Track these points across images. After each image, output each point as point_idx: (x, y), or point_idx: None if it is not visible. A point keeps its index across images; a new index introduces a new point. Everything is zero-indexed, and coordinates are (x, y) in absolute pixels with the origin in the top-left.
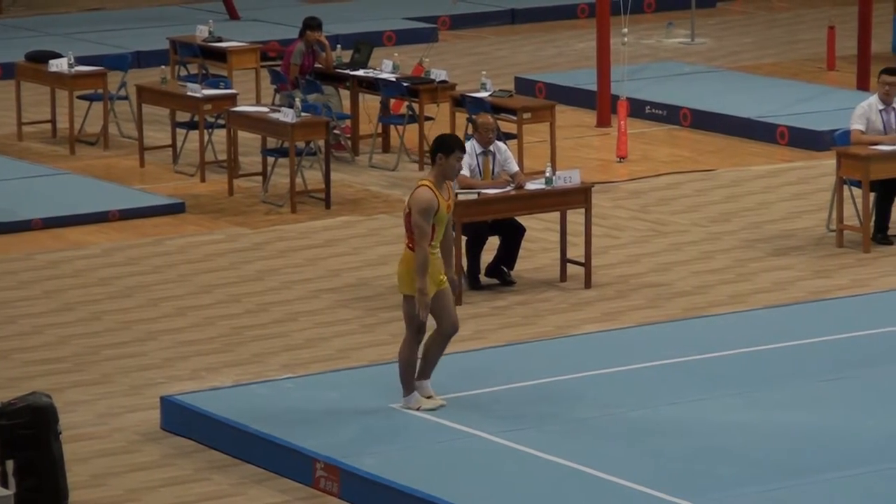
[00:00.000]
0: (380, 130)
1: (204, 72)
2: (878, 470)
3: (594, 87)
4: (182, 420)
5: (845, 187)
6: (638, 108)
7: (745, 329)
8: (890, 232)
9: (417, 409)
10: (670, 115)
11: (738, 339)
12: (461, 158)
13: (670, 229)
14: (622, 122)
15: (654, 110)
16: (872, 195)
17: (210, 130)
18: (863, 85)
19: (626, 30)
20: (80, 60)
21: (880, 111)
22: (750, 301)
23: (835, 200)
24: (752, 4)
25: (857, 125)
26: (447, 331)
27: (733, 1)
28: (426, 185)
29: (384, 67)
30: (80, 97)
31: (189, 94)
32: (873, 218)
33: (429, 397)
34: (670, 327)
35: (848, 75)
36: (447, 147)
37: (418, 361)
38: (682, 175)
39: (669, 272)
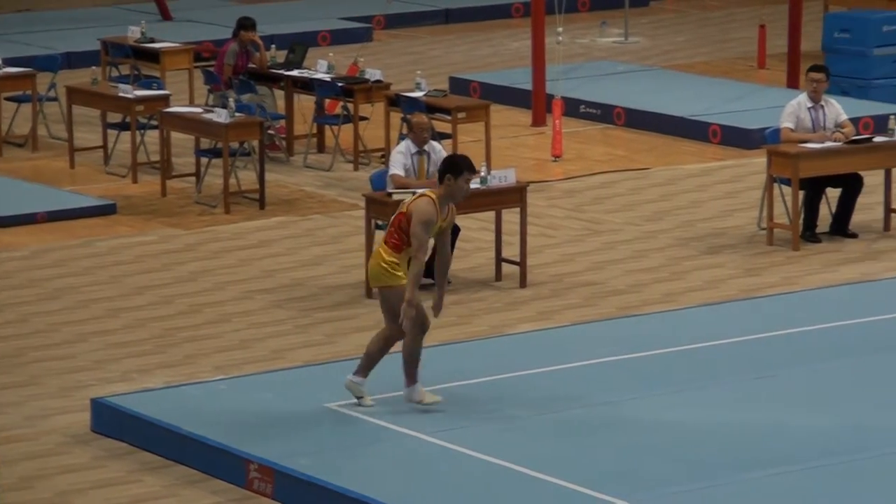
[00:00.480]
0: (314, 130)
1: (136, 73)
2: (807, 468)
3: (529, 87)
4: (113, 422)
5: (776, 185)
6: (572, 108)
7: (677, 327)
8: (819, 230)
9: (419, 402)
10: (604, 114)
11: (670, 337)
12: (470, 180)
13: (605, 228)
14: (557, 122)
15: (588, 109)
16: (802, 193)
17: (142, 131)
18: (793, 83)
19: (560, 29)
20: (9, 62)
21: (809, 109)
22: (682, 299)
23: (765, 199)
24: (685, 3)
25: (787, 123)
26: (395, 335)
27: (665, 0)
28: (430, 198)
29: (319, 67)
30: (7, 99)
31: (121, 94)
32: (802, 216)
33: (360, 397)
34: (605, 326)
35: (778, 73)
36: (457, 169)
37: (420, 352)
38: (617, 174)
39: (604, 271)
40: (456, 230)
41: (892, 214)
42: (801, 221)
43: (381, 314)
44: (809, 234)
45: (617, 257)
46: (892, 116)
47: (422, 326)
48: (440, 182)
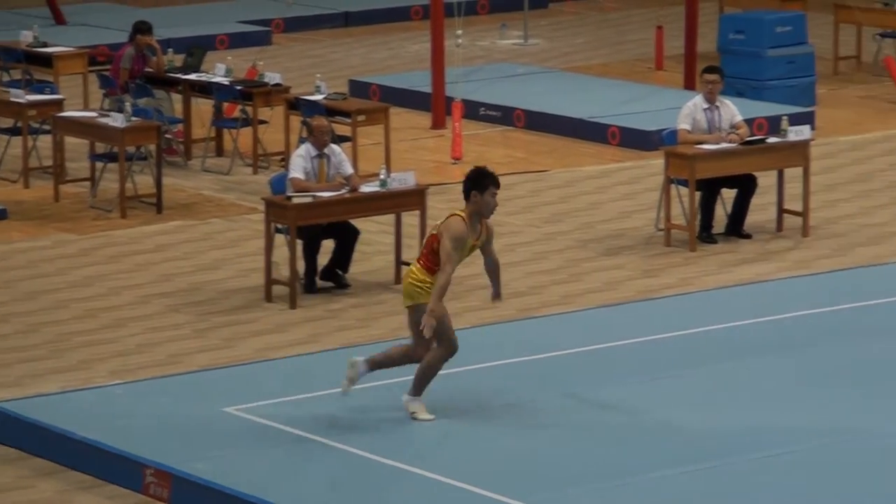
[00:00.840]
0: (213, 134)
1: (28, 77)
2: (704, 468)
3: (429, 89)
4: (5, 428)
5: (673, 187)
6: (472, 110)
7: (576, 329)
8: (714, 230)
9: (412, 414)
10: (504, 116)
11: (569, 339)
12: (496, 193)
13: (505, 230)
14: (457, 124)
15: (488, 112)
16: (698, 194)
17: (35, 136)
18: (690, 84)
19: (459, 32)
20: None
21: (705, 110)
22: (581, 301)
23: (662, 200)
24: (583, 5)
25: (684, 125)
26: (418, 354)
27: (565, 1)
28: (460, 217)
29: (217, 71)
30: None
31: (12, 99)
32: (699, 217)
33: (414, 412)
34: (504, 328)
35: (676, 75)
36: (481, 184)
37: (438, 372)
38: (517, 176)
39: (503, 273)
40: (355, 233)
41: (785, 215)
42: (697, 222)
43: (409, 330)
44: (706, 234)
45: (516, 259)
46: (785, 117)
47: (452, 348)
48: (466, 200)
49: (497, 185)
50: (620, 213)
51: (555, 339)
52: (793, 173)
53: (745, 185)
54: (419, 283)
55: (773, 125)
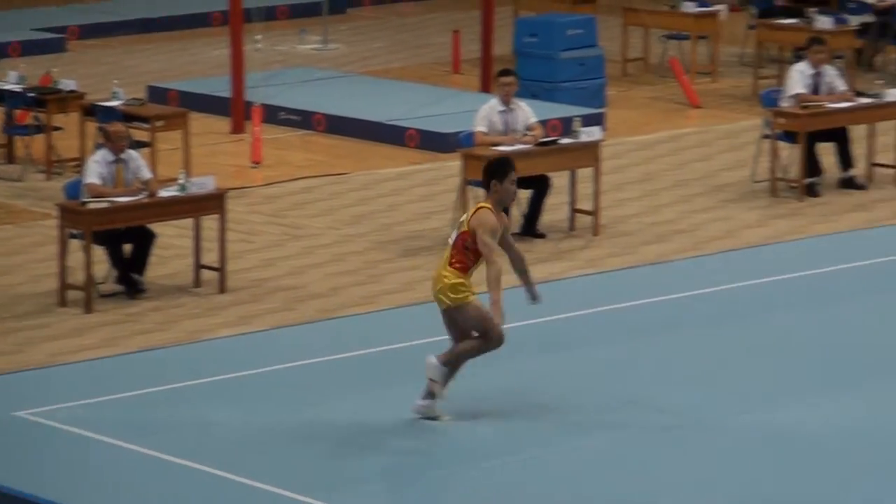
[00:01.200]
0: (4, 141)
1: None
2: (485, 466)
3: (228, 94)
4: None
5: (470, 188)
6: (272, 114)
7: (374, 329)
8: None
9: (430, 381)
10: (304, 120)
11: (367, 339)
12: (514, 179)
13: (304, 233)
14: (256, 129)
15: (288, 116)
16: None
17: None
18: (486, 87)
19: (258, 37)
20: None
21: (501, 112)
22: (381, 301)
23: (459, 201)
24: (382, 10)
25: (480, 127)
26: (494, 344)
27: (363, 7)
28: (487, 208)
29: (9, 78)
30: None
31: None
32: None
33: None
34: (304, 329)
35: (472, 78)
36: (501, 172)
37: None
38: (317, 179)
39: (304, 275)
40: (151, 236)
41: (577, 214)
42: None
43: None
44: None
45: (317, 261)
46: (577, 119)
47: (499, 342)
48: (487, 190)
49: (514, 169)
50: (418, 215)
51: (353, 340)
52: (584, 173)
53: (540, 186)
54: (451, 286)
55: (567, 126)
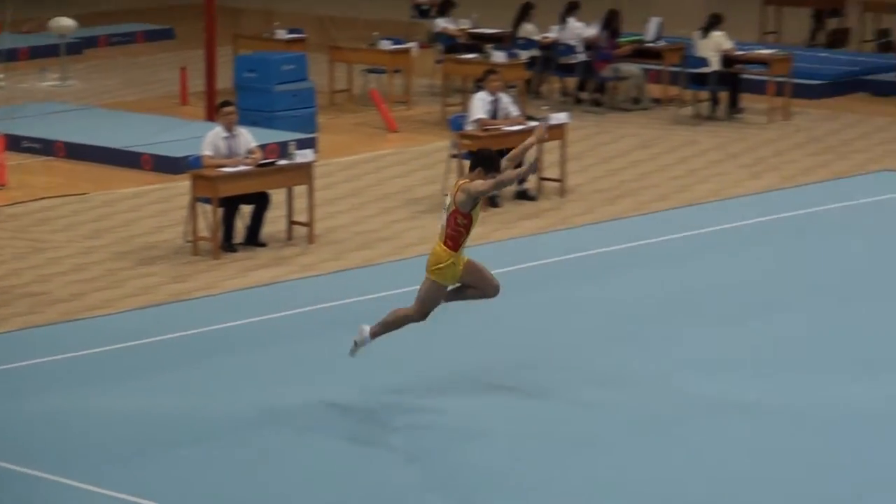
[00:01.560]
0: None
1: None
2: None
3: None
4: None
5: (199, 204)
6: (15, 143)
7: (116, 329)
8: (235, 241)
9: (355, 342)
10: (46, 147)
11: (110, 337)
12: (494, 177)
13: (49, 246)
14: (0, 155)
15: (30, 144)
16: (220, 210)
17: None
18: (211, 116)
19: (1, 75)
20: None
21: (224, 138)
22: (121, 304)
23: (190, 216)
24: (115, 50)
25: (207, 151)
26: (491, 293)
27: (98, 48)
28: (465, 180)
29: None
30: None
31: None
32: (222, 230)
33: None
34: (50, 330)
35: (198, 109)
36: (490, 167)
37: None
38: (59, 199)
39: (49, 282)
40: None
41: (294, 226)
42: (220, 234)
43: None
44: (227, 244)
45: (60, 270)
46: (292, 143)
47: (421, 317)
48: (471, 170)
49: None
50: (153, 228)
51: (95, 339)
52: (300, 190)
53: (260, 202)
54: (442, 259)
55: (283, 150)
